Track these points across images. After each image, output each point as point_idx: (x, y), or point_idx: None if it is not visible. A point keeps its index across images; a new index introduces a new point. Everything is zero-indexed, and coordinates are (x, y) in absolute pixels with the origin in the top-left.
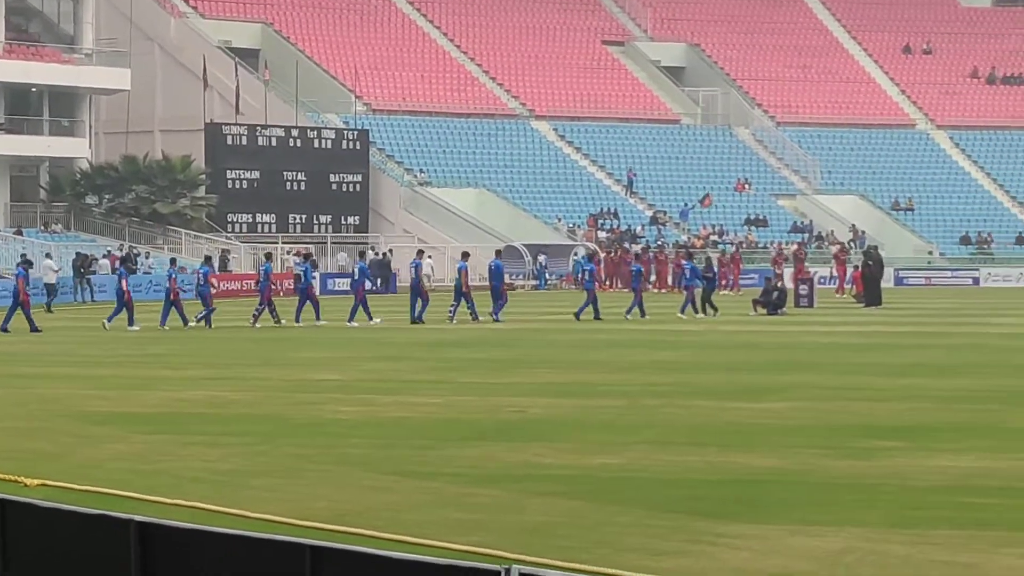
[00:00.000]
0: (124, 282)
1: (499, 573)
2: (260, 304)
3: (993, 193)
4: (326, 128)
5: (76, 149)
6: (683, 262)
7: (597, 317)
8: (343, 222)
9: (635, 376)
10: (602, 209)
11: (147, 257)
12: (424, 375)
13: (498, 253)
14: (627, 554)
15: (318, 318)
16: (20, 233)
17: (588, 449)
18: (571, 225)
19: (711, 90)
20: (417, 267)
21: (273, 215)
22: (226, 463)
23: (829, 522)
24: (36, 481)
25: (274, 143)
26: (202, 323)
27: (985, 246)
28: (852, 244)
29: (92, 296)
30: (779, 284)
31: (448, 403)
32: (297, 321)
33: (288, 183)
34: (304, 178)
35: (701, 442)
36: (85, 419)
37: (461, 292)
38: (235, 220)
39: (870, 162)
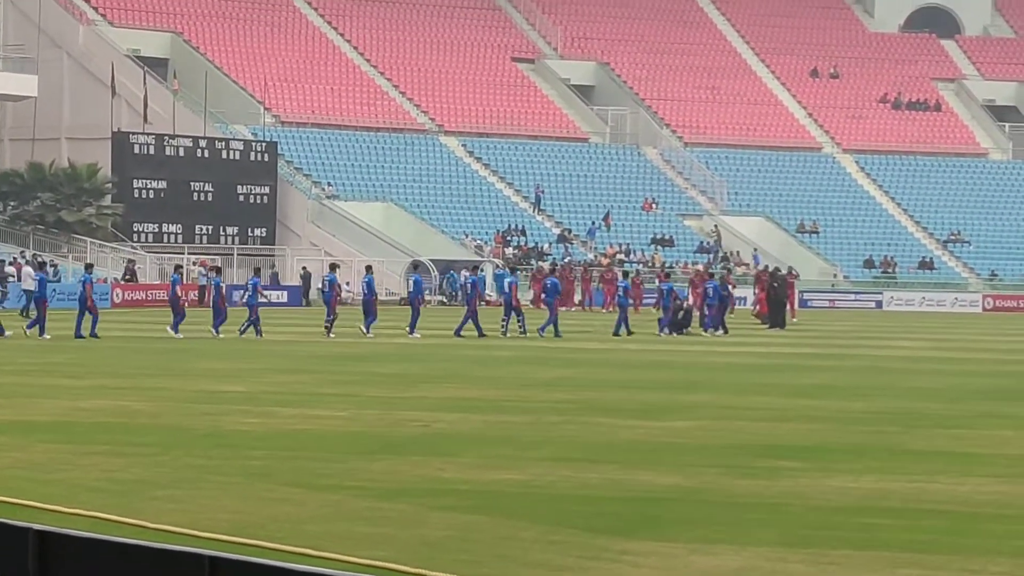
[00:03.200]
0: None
1: None
2: (330, 314)
3: (897, 218)
4: (234, 139)
5: None
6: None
7: (504, 332)
8: (250, 234)
9: (539, 393)
10: (510, 226)
11: (52, 265)
12: (329, 388)
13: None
14: (528, 569)
15: (216, 329)
16: None
17: (491, 464)
18: (479, 241)
19: (620, 109)
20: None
21: (179, 225)
22: (127, 473)
23: (729, 540)
24: None
25: (182, 153)
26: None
27: (889, 270)
28: (751, 265)
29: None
30: (685, 304)
31: (352, 416)
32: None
33: (195, 193)
34: (211, 189)
35: (603, 459)
36: None
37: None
38: (141, 230)
39: (776, 184)
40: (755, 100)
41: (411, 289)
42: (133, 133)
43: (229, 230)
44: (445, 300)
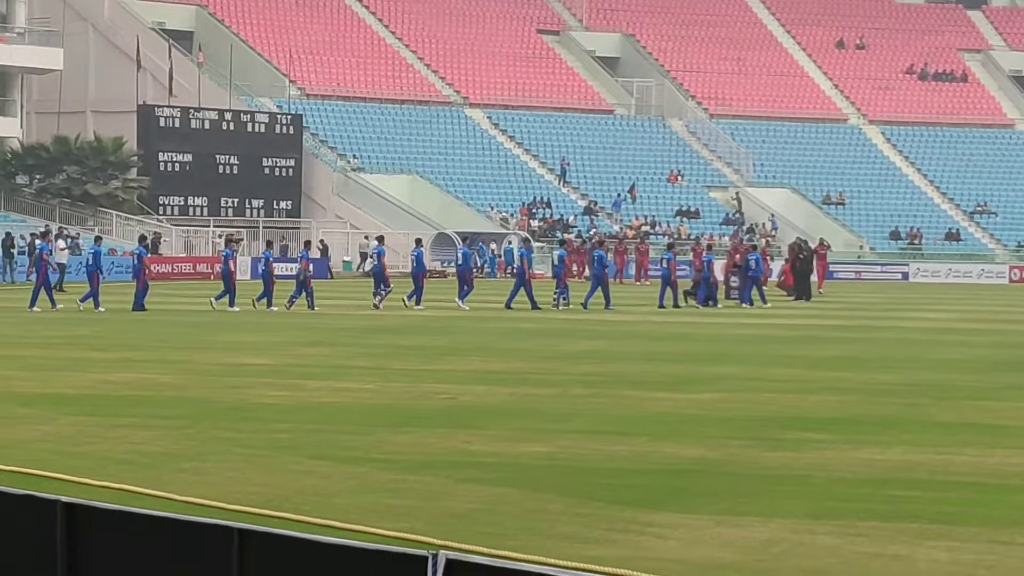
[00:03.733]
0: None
1: (426, 559)
2: (383, 287)
3: (923, 189)
4: (259, 112)
5: (7, 129)
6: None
7: (535, 307)
8: (275, 207)
9: (566, 365)
10: (535, 198)
11: (71, 237)
12: (355, 361)
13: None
14: (555, 542)
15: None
16: None
17: (517, 437)
18: (504, 213)
19: (645, 81)
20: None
21: (205, 198)
22: (153, 446)
23: (756, 513)
24: None
25: (207, 126)
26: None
27: (915, 241)
28: (771, 236)
29: (12, 277)
30: (712, 279)
31: (379, 389)
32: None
33: (220, 166)
34: (237, 162)
35: (630, 432)
36: (10, 400)
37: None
38: (166, 203)
39: (802, 156)
40: (781, 71)
41: (459, 262)
42: (158, 106)
43: (254, 203)
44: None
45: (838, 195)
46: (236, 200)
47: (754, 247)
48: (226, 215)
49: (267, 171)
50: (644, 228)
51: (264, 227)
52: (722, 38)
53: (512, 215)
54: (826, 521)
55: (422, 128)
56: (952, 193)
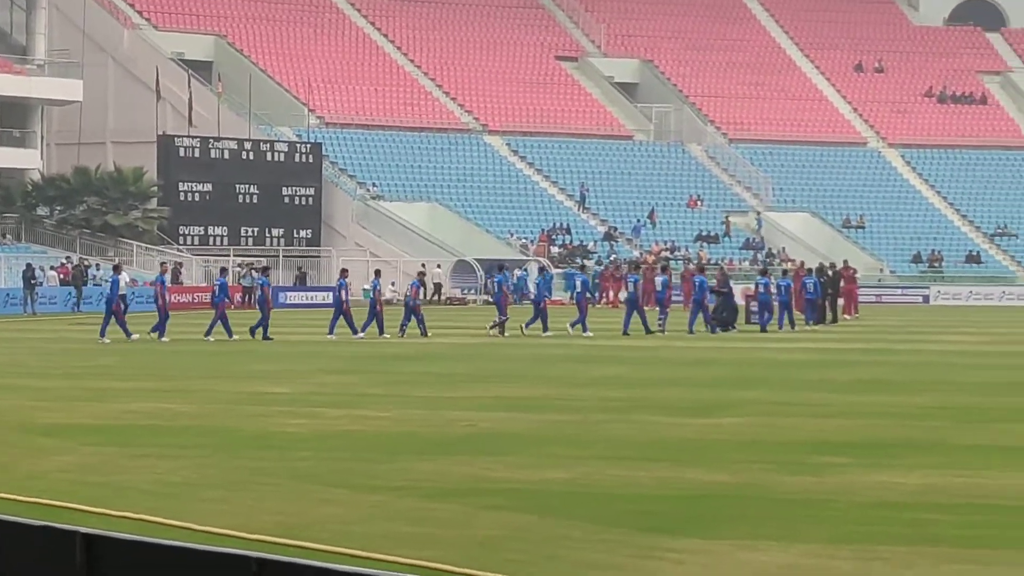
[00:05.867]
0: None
1: None
2: (502, 315)
3: (943, 212)
4: (279, 141)
5: (28, 160)
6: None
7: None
8: (295, 235)
9: (587, 391)
10: (555, 224)
11: (98, 268)
12: (375, 388)
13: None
14: (578, 569)
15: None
16: None
17: (539, 464)
18: (524, 240)
19: (664, 106)
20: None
21: (225, 228)
22: (175, 475)
23: (776, 537)
24: None
25: (227, 156)
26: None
27: (935, 264)
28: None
29: (33, 308)
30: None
31: (399, 417)
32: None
33: (240, 196)
34: (256, 191)
35: (652, 457)
36: (31, 430)
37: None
38: (187, 232)
39: (822, 179)
40: (799, 95)
41: (535, 292)
42: (178, 136)
43: (274, 232)
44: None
45: (858, 219)
46: (256, 229)
47: (809, 271)
48: (246, 244)
49: (287, 200)
50: (664, 253)
51: (284, 256)
52: (740, 63)
53: (532, 242)
54: (845, 545)
55: (441, 156)
56: (972, 215)
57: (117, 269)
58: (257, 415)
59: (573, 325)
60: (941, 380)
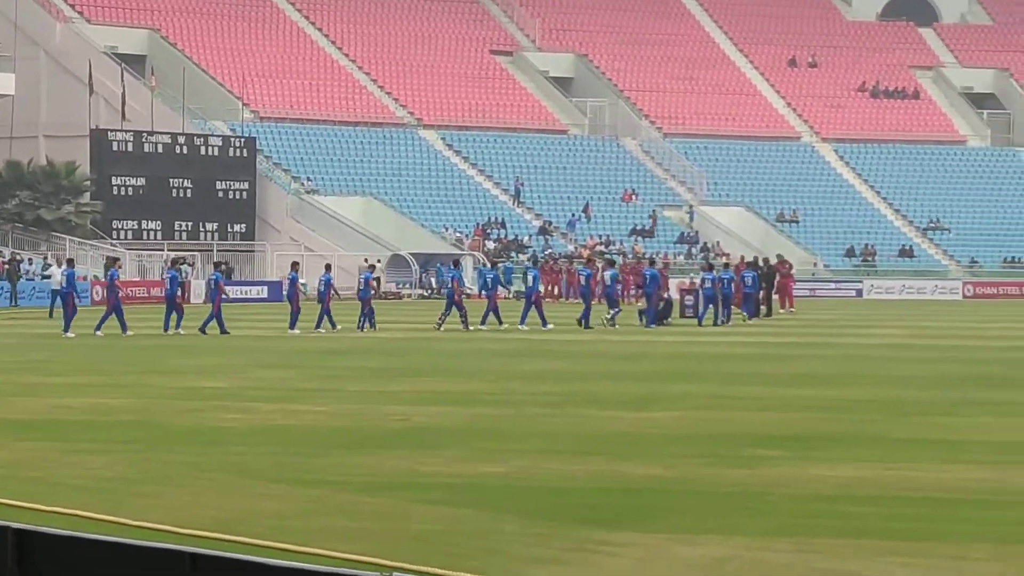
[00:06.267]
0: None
1: None
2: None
3: (877, 206)
4: (213, 135)
5: None
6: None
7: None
8: (229, 230)
9: (522, 385)
10: (490, 219)
11: (30, 263)
12: (310, 383)
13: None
14: (512, 562)
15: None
16: None
17: (473, 457)
18: (459, 234)
19: (599, 101)
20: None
21: (159, 222)
22: (108, 471)
23: (712, 530)
24: None
25: (160, 150)
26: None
27: (869, 258)
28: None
29: None
30: (665, 295)
31: (334, 411)
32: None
33: (174, 190)
34: (190, 185)
35: (587, 451)
36: None
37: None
38: (120, 227)
39: (756, 174)
40: (734, 90)
41: (488, 285)
42: (111, 130)
43: (209, 226)
44: (425, 294)
45: (792, 213)
46: (190, 224)
47: (750, 264)
48: (180, 239)
49: (221, 194)
50: (599, 248)
51: (219, 250)
52: (675, 57)
53: (467, 236)
54: (781, 538)
55: (376, 150)
56: (905, 210)
57: (71, 263)
58: (191, 410)
59: (525, 321)
60: (874, 373)
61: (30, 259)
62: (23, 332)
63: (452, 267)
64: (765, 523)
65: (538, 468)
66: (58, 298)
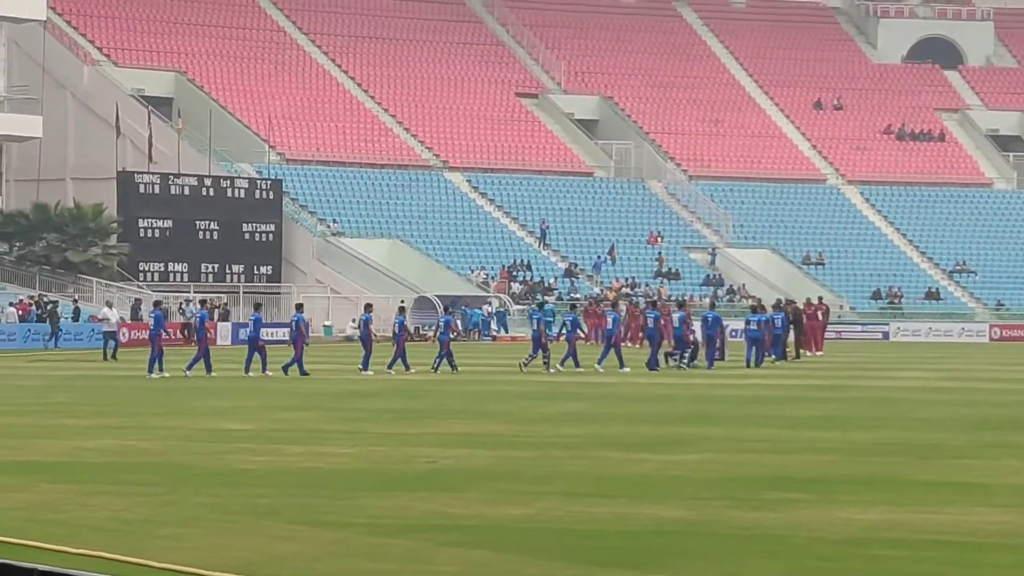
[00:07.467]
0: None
1: None
2: (536, 352)
3: (903, 248)
4: (239, 177)
5: None
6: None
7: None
8: (255, 271)
9: (545, 427)
10: (515, 261)
11: (51, 302)
12: (335, 425)
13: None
14: None
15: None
16: None
17: (498, 499)
18: (485, 276)
19: (624, 143)
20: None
21: (185, 264)
22: (132, 512)
23: (734, 573)
24: None
25: (187, 192)
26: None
27: (895, 300)
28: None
29: None
30: (691, 337)
31: (359, 453)
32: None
33: (200, 232)
34: (217, 227)
35: (609, 493)
36: None
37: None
38: (147, 269)
39: (781, 216)
40: (759, 132)
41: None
42: (138, 173)
43: (235, 268)
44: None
45: (818, 255)
46: (216, 266)
47: (781, 307)
48: (207, 281)
49: (247, 236)
50: (624, 290)
51: (244, 292)
52: (700, 100)
53: (492, 278)
54: None
55: (402, 192)
56: (931, 252)
57: (157, 305)
58: (216, 452)
59: (563, 362)
60: (899, 416)
61: (57, 302)
62: (43, 374)
63: (537, 309)
64: (787, 566)
65: (561, 510)
66: (111, 340)
